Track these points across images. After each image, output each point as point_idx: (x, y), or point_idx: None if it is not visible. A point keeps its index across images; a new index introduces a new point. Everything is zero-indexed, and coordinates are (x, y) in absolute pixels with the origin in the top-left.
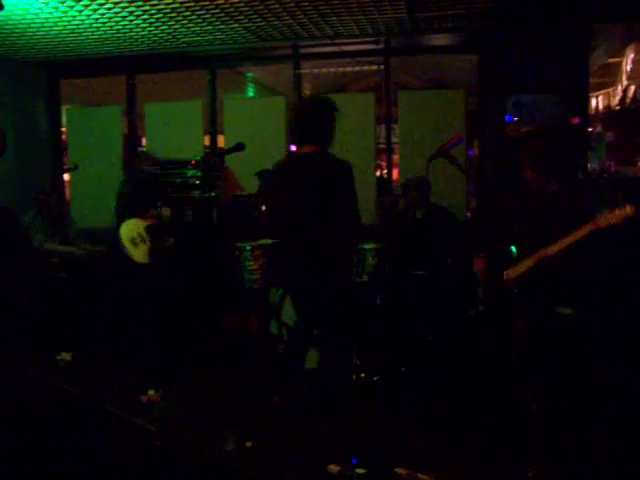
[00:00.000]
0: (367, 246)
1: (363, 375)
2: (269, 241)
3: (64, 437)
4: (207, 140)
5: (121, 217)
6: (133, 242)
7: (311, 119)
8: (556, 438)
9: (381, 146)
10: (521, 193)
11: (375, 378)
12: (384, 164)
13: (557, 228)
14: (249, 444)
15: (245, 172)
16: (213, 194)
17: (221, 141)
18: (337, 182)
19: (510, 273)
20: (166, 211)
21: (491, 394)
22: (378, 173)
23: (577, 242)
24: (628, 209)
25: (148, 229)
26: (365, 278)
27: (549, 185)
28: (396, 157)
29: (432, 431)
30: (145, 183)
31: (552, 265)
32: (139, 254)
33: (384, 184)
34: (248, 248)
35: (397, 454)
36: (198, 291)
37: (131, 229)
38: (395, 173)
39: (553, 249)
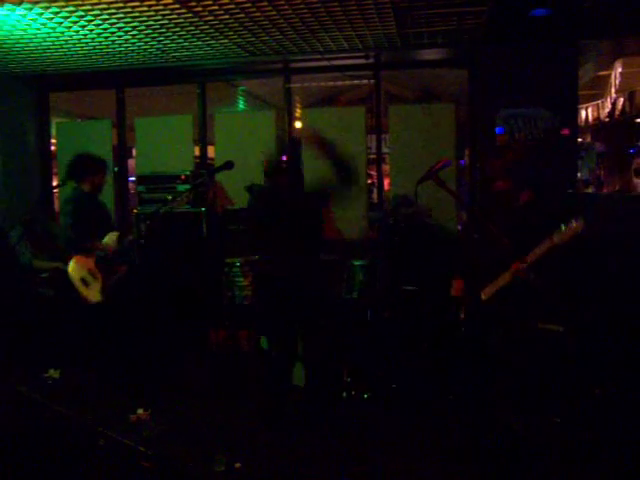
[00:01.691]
0: (357, 262)
1: (353, 393)
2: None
3: (51, 457)
4: (197, 151)
5: (67, 249)
6: (84, 282)
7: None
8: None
9: (372, 156)
10: (494, 208)
11: (365, 395)
12: (374, 174)
13: (531, 240)
14: (238, 465)
15: (235, 186)
16: (203, 209)
17: (211, 151)
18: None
19: (487, 292)
20: (112, 235)
21: (483, 412)
22: (369, 181)
23: (540, 258)
24: (579, 225)
25: (97, 264)
26: (355, 295)
27: (523, 196)
28: (386, 167)
29: (423, 450)
30: (91, 206)
31: (526, 280)
32: (92, 293)
33: (376, 196)
34: (238, 264)
35: (388, 473)
36: (188, 307)
37: (79, 268)
38: (386, 183)
39: (523, 265)
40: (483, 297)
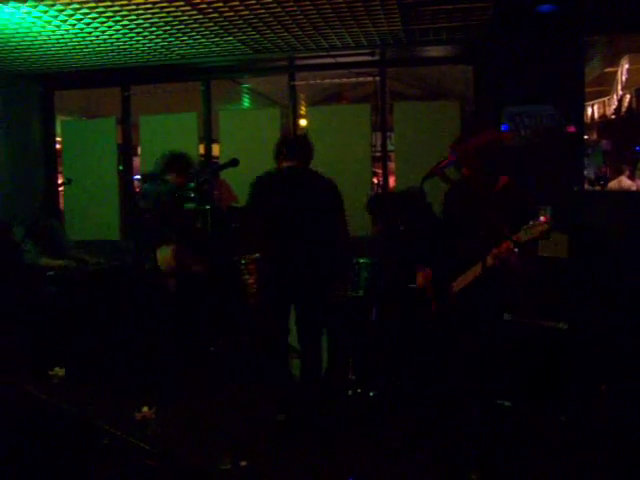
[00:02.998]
0: (362, 260)
1: (359, 391)
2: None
3: (56, 455)
4: (202, 148)
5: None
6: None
7: (291, 141)
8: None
9: (377, 154)
10: (460, 194)
11: (371, 394)
12: (380, 172)
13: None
14: (244, 463)
15: (240, 183)
16: (208, 207)
17: (216, 150)
18: (321, 195)
19: (457, 284)
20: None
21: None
22: (375, 180)
23: (504, 256)
24: (545, 224)
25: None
26: (361, 292)
27: (495, 182)
28: (392, 164)
29: (429, 449)
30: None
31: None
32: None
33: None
34: (243, 262)
35: (393, 473)
36: (194, 305)
37: (165, 257)
38: (391, 181)
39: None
40: (453, 289)
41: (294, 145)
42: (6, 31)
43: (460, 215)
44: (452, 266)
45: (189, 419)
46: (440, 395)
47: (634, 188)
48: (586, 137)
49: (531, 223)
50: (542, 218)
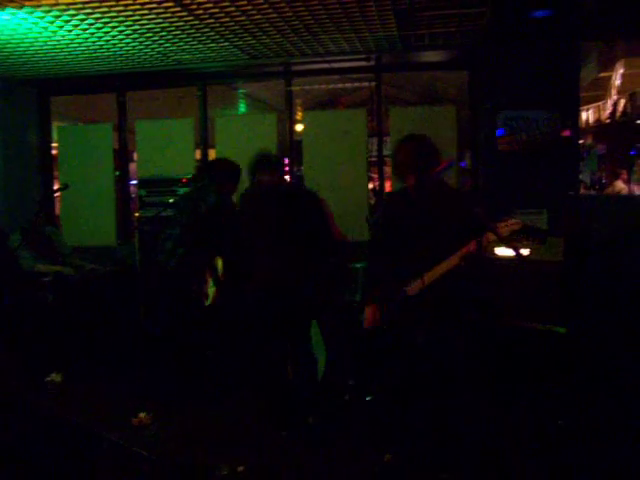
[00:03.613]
0: (359, 265)
1: (356, 395)
2: None
3: (53, 461)
4: (198, 154)
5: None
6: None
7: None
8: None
9: (373, 159)
10: (401, 203)
11: (368, 398)
12: (376, 176)
13: (448, 231)
14: (241, 468)
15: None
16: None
17: (212, 155)
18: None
19: (412, 288)
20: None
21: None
22: (371, 186)
23: (471, 253)
24: (518, 223)
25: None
26: (358, 297)
27: (431, 186)
28: (388, 169)
29: (425, 453)
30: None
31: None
32: (210, 297)
33: (376, 196)
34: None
35: (392, 478)
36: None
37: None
38: (387, 186)
39: (453, 260)
40: (408, 293)
41: (269, 160)
42: (2, 37)
43: (419, 217)
44: (410, 268)
45: (186, 424)
46: (436, 399)
47: (625, 192)
48: (581, 141)
49: (505, 222)
50: (514, 219)
